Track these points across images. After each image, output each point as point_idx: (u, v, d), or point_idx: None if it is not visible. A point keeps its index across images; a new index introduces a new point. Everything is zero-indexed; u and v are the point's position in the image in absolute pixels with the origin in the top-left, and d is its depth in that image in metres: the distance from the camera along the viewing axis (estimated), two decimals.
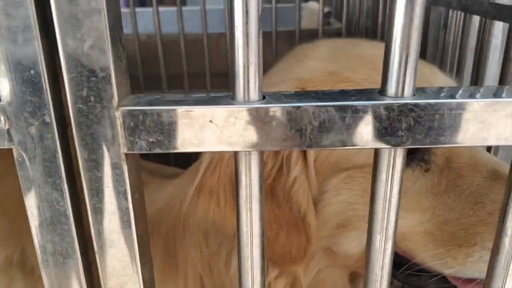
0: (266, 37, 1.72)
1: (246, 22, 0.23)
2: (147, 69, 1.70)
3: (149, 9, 1.72)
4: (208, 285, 0.64)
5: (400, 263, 0.56)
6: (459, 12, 0.95)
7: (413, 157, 0.53)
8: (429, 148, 0.52)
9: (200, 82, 1.65)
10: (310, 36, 1.67)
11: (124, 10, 1.71)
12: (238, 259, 0.30)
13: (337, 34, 1.78)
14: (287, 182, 0.51)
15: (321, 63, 0.58)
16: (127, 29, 1.67)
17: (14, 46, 0.23)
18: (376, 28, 1.54)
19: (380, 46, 0.64)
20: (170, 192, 0.77)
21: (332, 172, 0.52)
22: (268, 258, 0.55)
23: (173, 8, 1.66)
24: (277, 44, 1.69)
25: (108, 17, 0.24)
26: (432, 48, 1.09)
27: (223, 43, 1.68)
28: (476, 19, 0.87)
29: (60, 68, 0.24)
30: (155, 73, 1.67)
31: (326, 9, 1.96)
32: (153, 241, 0.68)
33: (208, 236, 0.62)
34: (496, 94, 0.25)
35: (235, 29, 0.24)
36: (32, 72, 0.24)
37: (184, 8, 1.69)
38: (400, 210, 0.51)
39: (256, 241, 0.29)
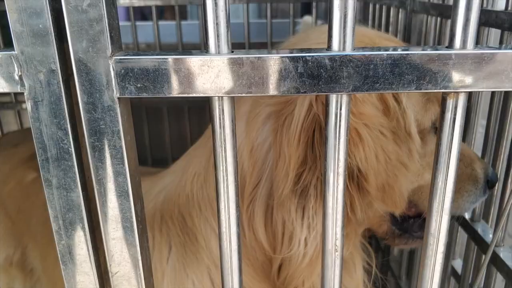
0: (262, 47, 1.80)
1: None
2: None
3: (150, 23, 1.79)
4: None
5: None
6: (437, 18, 1.01)
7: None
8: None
9: None
10: None
11: (125, 23, 1.78)
12: (216, 195, 0.35)
13: None
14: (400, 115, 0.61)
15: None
16: (128, 39, 1.76)
17: (26, 3, 0.29)
18: None
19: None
20: (170, 180, 0.78)
21: None
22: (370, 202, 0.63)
23: (173, 22, 1.74)
24: None
25: None
26: None
27: None
28: None
29: (64, 23, 0.29)
30: None
31: (320, 23, 2.04)
32: (168, 226, 0.71)
33: None
34: (423, 49, 0.31)
35: None
36: (40, 26, 0.30)
37: (183, 22, 1.77)
38: (422, 171, 0.59)
39: (231, 178, 0.34)
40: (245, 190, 0.62)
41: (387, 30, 1.32)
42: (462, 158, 0.71)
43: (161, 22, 1.73)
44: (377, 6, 1.43)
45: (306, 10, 2.20)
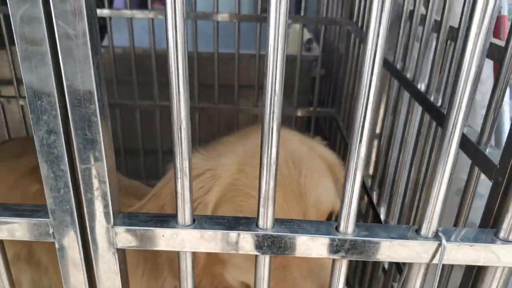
0: (251, 58, 1.92)
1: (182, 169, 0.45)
2: (140, 77, 1.89)
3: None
4: None
5: None
6: None
7: None
8: None
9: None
10: (289, 62, 1.86)
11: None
12: None
13: (315, 60, 1.98)
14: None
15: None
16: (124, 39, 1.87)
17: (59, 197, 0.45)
18: (347, 58, 1.73)
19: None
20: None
21: None
22: None
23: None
24: (259, 66, 1.87)
25: None
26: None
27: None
28: None
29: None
30: (148, 81, 1.87)
31: (308, 36, 2.14)
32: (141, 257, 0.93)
33: None
34: (319, 231, 0.47)
35: (176, 172, 0.45)
36: (68, 207, 0.45)
37: None
38: None
39: None
40: None
41: None
42: None
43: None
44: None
45: None
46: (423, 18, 1.01)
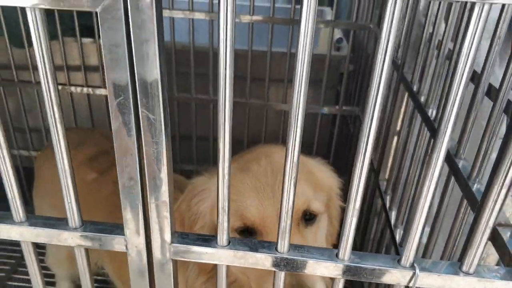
0: (282, 56, 2.04)
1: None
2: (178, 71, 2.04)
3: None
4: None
5: None
6: None
7: None
8: None
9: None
10: (318, 61, 1.97)
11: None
12: None
13: (343, 59, 2.08)
14: None
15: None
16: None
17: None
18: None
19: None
20: None
21: None
22: None
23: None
24: (290, 63, 1.99)
25: None
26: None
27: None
28: None
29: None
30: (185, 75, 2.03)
31: (339, 35, 2.22)
32: None
33: None
34: (323, 256, 0.62)
35: (219, 208, 0.61)
36: (139, 229, 0.62)
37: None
38: None
39: None
40: None
41: None
42: None
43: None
44: None
45: None
46: (440, 42, 1.11)
